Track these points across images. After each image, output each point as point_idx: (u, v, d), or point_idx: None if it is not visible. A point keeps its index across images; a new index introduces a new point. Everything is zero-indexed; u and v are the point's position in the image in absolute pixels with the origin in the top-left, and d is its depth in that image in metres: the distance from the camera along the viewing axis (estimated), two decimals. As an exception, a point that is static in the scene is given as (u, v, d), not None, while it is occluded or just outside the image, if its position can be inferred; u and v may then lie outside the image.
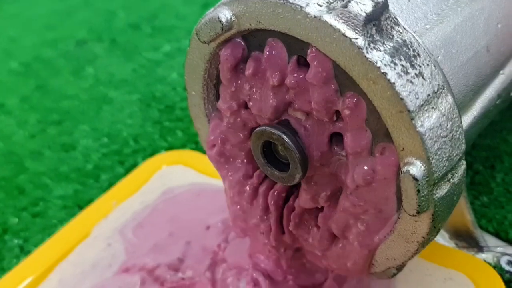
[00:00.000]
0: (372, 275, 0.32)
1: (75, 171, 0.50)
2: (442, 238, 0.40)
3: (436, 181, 0.26)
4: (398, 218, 0.28)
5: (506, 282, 0.37)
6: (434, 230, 0.28)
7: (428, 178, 0.26)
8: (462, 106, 0.29)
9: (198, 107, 0.35)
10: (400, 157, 0.26)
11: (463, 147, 0.27)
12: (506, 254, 0.39)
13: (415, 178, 0.25)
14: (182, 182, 0.45)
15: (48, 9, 0.75)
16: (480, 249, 0.39)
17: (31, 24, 0.72)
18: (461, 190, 0.28)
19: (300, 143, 0.29)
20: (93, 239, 0.42)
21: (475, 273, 0.36)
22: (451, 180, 0.27)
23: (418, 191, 0.26)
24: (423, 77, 0.26)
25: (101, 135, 0.54)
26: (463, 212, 0.38)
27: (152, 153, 0.50)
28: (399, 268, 0.32)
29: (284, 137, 0.29)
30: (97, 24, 0.71)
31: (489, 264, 0.38)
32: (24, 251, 0.44)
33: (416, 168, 0.25)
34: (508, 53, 0.33)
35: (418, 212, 0.26)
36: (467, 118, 0.30)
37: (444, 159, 0.26)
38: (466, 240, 0.39)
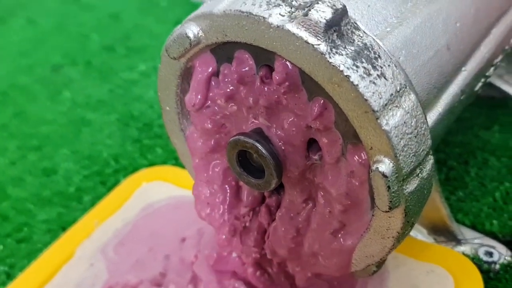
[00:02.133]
0: (353, 273, 0.33)
1: (58, 195, 0.51)
2: (421, 234, 0.41)
3: (405, 176, 0.27)
4: (373, 215, 0.29)
5: (485, 271, 0.38)
6: (408, 224, 0.29)
7: (397, 174, 0.26)
8: (426, 103, 0.31)
9: (173, 122, 0.35)
10: (369, 156, 0.27)
11: (429, 142, 0.28)
12: (484, 245, 0.40)
13: (384, 175, 0.26)
14: (161, 197, 0.46)
15: (21, 37, 0.75)
16: (458, 242, 0.40)
17: (4, 52, 0.73)
18: (431, 184, 0.29)
19: (273, 150, 0.30)
20: (76, 260, 0.43)
21: (453, 266, 0.37)
22: (420, 175, 0.28)
23: (389, 187, 0.26)
24: (385, 78, 0.27)
25: (82, 157, 0.54)
26: (439, 207, 0.39)
27: (133, 172, 0.50)
28: (379, 265, 0.33)
29: (258, 145, 0.30)
30: (71, 48, 0.71)
31: (468, 256, 0.39)
32: (10, 278, 0.44)
33: (385, 166, 0.26)
34: (468, 50, 0.34)
35: (390, 208, 0.27)
36: (433, 115, 0.31)
37: (411, 155, 0.27)
38: (444, 234, 0.40)
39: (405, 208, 0.28)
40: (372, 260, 0.31)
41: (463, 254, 0.39)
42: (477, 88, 0.36)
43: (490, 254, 0.39)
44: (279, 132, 0.30)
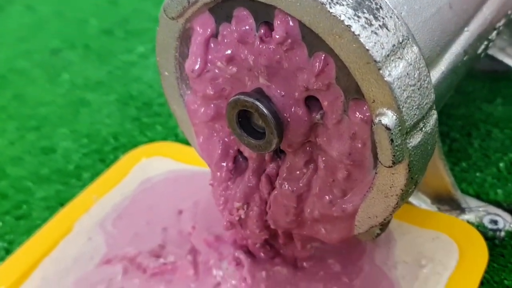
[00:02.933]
0: (357, 236, 0.32)
1: (56, 173, 0.50)
2: (425, 204, 0.40)
3: (409, 129, 0.26)
4: (376, 173, 0.29)
5: (490, 239, 0.38)
6: (411, 182, 0.28)
7: (400, 127, 0.26)
8: (429, 61, 0.30)
9: (172, 87, 0.35)
10: (372, 110, 0.27)
11: (433, 96, 0.27)
12: (489, 213, 0.39)
13: (387, 128, 0.26)
14: (159, 171, 0.46)
15: (19, 23, 0.75)
16: (462, 210, 0.39)
17: (2, 38, 0.72)
18: (435, 141, 0.29)
19: (274, 108, 0.30)
20: (74, 234, 0.42)
21: (458, 234, 0.37)
22: (423, 129, 0.27)
23: (392, 140, 0.26)
24: (387, 28, 0.26)
25: (80, 136, 0.54)
26: (442, 176, 0.39)
27: (132, 149, 0.50)
28: (382, 227, 0.32)
29: (258, 103, 0.29)
30: (69, 33, 0.71)
31: (472, 223, 0.38)
32: (9, 253, 0.43)
33: (388, 118, 0.26)
34: (471, 10, 0.34)
35: (393, 163, 0.27)
36: (436, 73, 0.31)
37: (414, 107, 0.26)
38: (448, 203, 0.40)
39: (408, 163, 0.27)
40: (376, 221, 0.30)
41: (468, 222, 0.38)
42: (480, 50, 0.35)
43: (495, 222, 0.39)
44: (279, 91, 0.30)
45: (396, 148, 0.26)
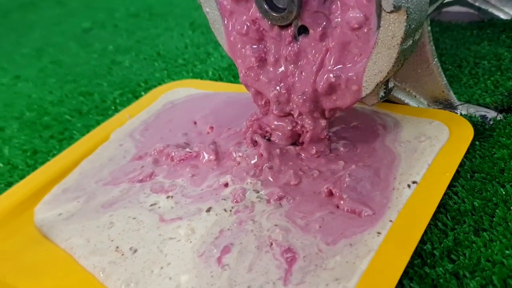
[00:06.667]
0: (363, 100, 0.38)
1: (95, 109, 0.56)
2: (422, 105, 0.46)
3: (406, -20, 0.33)
4: (379, 27, 0.35)
5: (481, 125, 0.43)
6: (409, 31, 0.34)
7: (399, -23, 0.32)
8: None
9: (206, -10, 0.42)
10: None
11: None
12: (478, 110, 0.45)
13: (388, -25, 0.32)
14: (180, 96, 0.53)
15: (52, 13, 0.83)
16: (455, 108, 0.45)
17: (38, 23, 0.80)
18: (427, -1, 0.35)
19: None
20: (109, 142, 0.49)
21: (449, 121, 0.43)
22: (417, -17, 0.34)
23: (392, -14, 0.32)
24: None
25: (115, 83, 0.60)
26: (437, 78, 0.45)
27: (162, 87, 0.56)
28: (385, 90, 0.38)
29: (282, -22, 0.36)
30: (99, 17, 0.78)
31: (464, 116, 0.44)
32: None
33: (389, -32, 0.32)
34: None
35: (394, 7, 0.33)
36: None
37: (409, -39, 0.33)
38: (443, 104, 0.45)
39: (406, 10, 0.33)
40: (381, 77, 0.36)
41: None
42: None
43: (483, 116, 0.44)
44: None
45: (396, -7, 0.33)
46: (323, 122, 0.41)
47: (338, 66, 0.38)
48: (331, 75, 0.38)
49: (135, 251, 0.36)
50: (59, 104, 0.58)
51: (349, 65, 0.37)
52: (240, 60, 0.42)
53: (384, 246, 0.33)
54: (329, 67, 0.38)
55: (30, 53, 0.71)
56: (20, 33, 0.77)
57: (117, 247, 0.37)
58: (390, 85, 0.38)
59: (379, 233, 0.34)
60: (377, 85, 0.37)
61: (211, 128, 0.47)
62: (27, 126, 0.55)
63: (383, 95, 0.38)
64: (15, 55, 0.71)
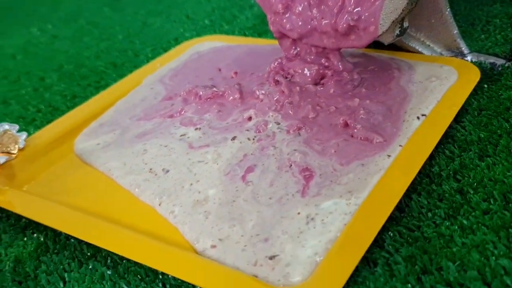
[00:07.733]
0: (379, 38, 0.41)
1: (129, 62, 0.60)
2: (435, 53, 0.49)
3: None
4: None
5: (489, 70, 0.46)
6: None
7: None
8: None
9: None
10: None
11: None
12: (487, 59, 0.48)
13: None
14: (206, 48, 0.57)
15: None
16: (465, 56, 0.48)
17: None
18: None
19: None
20: (140, 87, 0.53)
21: (458, 65, 0.46)
22: None
23: None
24: None
25: (147, 41, 0.64)
26: (449, 27, 0.48)
27: (190, 46, 0.60)
28: (401, 30, 0.41)
29: None
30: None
31: (474, 63, 0.47)
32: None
33: None
34: None
35: None
36: None
37: None
38: (455, 52, 0.48)
39: None
40: (396, 14, 0.39)
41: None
42: None
43: (493, 63, 0.47)
44: None
45: None
46: (349, 65, 0.45)
47: (357, 9, 0.41)
48: (350, 18, 0.41)
49: (167, 171, 0.40)
50: (95, 58, 0.62)
51: (368, 4, 0.41)
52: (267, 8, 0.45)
53: (393, 166, 0.37)
54: (349, 8, 0.42)
55: (65, 17, 0.75)
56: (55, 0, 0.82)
57: (151, 169, 0.41)
58: (405, 24, 0.42)
59: (389, 155, 0.37)
60: (392, 22, 0.40)
61: (235, 73, 0.51)
62: (66, 77, 0.59)
63: (399, 33, 0.41)
64: (52, 18, 0.75)
